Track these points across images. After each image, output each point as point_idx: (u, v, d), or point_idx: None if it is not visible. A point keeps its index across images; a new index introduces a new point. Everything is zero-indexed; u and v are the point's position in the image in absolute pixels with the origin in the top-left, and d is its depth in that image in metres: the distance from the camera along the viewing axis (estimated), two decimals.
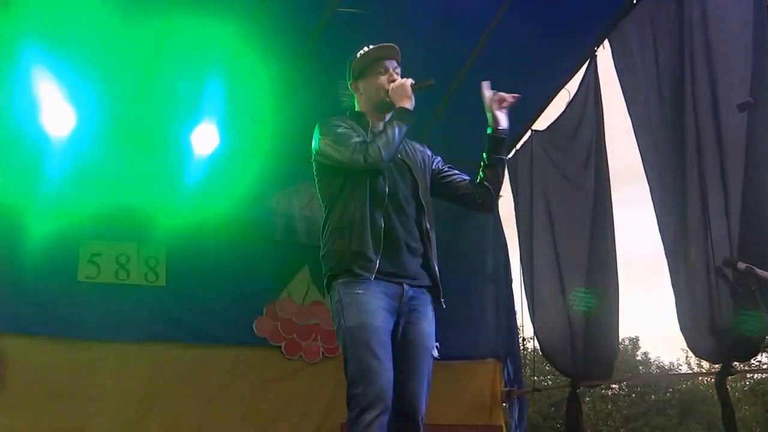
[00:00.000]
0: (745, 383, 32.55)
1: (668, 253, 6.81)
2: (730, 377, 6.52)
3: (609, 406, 35.53)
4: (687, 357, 36.67)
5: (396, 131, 3.84)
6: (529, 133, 9.27)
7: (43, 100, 7.78)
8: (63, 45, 7.34)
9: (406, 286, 3.79)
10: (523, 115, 9.15)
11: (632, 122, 7.41)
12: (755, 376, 31.69)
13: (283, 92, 8.41)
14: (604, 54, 8.03)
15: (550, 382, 20.82)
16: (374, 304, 3.65)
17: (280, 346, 8.82)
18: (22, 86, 7.76)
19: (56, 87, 7.68)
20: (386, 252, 3.74)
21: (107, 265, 8.33)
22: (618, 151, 8.00)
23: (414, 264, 3.87)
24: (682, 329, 6.62)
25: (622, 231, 8.06)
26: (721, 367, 6.38)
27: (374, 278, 3.68)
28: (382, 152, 3.75)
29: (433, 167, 4.24)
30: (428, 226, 3.96)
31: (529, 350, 16.19)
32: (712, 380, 6.79)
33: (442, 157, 4.44)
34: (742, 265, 5.24)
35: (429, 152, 4.28)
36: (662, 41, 7.12)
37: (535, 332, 9.16)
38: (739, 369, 6.80)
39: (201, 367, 8.39)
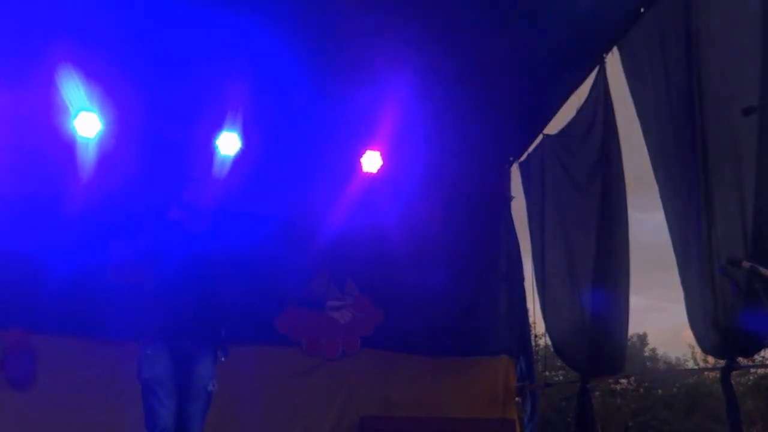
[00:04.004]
0: (749, 378, 32.53)
1: (677, 253, 6.95)
2: (734, 372, 6.67)
3: (618, 401, 35.52)
4: (693, 353, 36.60)
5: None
6: (540, 137, 9.49)
7: (72, 103, 8.04)
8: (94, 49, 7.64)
9: (185, 342, 5.10)
10: (535, 119, 9.37)
11: (641, 126, 7.53)
12: (759, 371, 31.67)
13: (299, 99, 8.69)
14: (613, 60, 8.15)
15: (561, 377, 20.89)
16: (159, 361, 5.05)
17: (300, 343, 9.06)
18: (52, 89, 8.03)
19: (86, 90, 7.94)
20: (165, 324, 5.07)
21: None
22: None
23: (191, 328, 5.13)
24: (691, 325, 6.76)
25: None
26: (726, 362, 6.52)
27: (160, 340, 5.05)
28: None
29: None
30: (217, 301, 5.32)
31: (541, 347, 16.33)
32: (718, 375, 6.88)
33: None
34: (746, 264, 5.36)
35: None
36: (670, 47, 7.20)
37: (546, 329, 9.38)
38: (743, 364, 6.95)
39: (224, 363, 8.50)
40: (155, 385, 5.03)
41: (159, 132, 8.66)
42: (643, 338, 40.12)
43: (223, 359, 5.24)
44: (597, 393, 30.88)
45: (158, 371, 5.06)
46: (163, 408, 4.99)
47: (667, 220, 7.12)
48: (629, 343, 13.41)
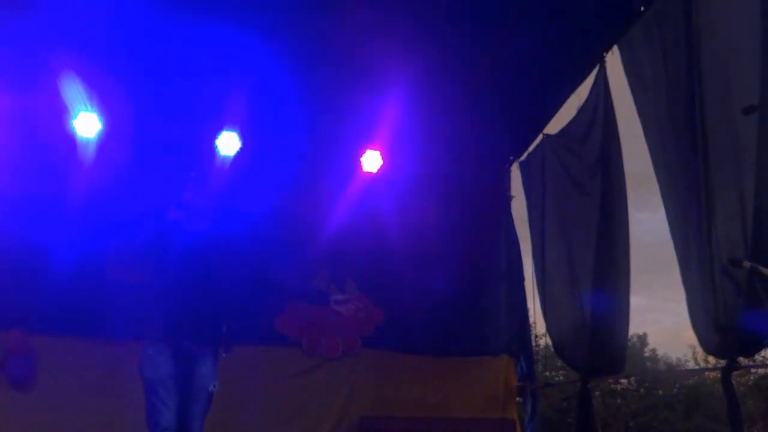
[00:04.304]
0: (749, 378, 32.54)
1: (678, 252, 6.93)
2: (735, 372, 6.67)
3: (618, 401, 35.53)
4: (694, 353, 36.65)
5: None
6: (540, 137, 9.48)
7: (71, 105, 8.05)
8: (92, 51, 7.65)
9: (186, 342, 5.13)
10: (535, 119, 9.36)
11: (642, 125, 7.51)
12: (759, 371, 31.67)
13: (299, 98, 8.71)
14: (613, 59, 8.13)
15: (562, 377, 20.88)
16: (161, 361, 5.07)
17: (300, 343, 9.05)
18: (51, 91, 8.04)
19: (85, 92, 7.95)
20: (166, 322, 5.09)
21: None
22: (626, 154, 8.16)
23: (193, 328, 5.16)
24: (692, 325, 6.74)
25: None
26: (727, 362, 6.49)
27: (161, 340, 5.06)
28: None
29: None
30: (220, 299, 5.33)
31: (542, 346, 16.34)
32: (718, 375, 6.88)
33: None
34: (747, 264, 5.36)
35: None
36: (671, 46, 7.17)
37: (546, 329, 9.37)
38: (744, 364, 6.94)
39: (224, 363, 8.50)
40: (157, 384, 5.05)
41: (159, 132, 8.67)
42: (643, 339, 40.17)
43: (224, 355, 5.25)
44: (597, 393, 30.91)
45: (160, 371, 5.08)
46: (164, 407, 5.01)
47: (668, 219, 7.11)
48: (629, 343, 13.43)
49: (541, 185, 9.35)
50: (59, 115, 8.21)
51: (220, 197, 5.92)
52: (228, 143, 8.62)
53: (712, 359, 8.74)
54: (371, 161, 9.15)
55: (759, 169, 5.99)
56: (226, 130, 8.60)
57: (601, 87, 8.34)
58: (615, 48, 8.07)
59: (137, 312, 5.26)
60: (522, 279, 9.95)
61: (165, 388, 5.08)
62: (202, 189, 5.45)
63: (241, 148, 8.69)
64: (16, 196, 8.20)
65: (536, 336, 14.95)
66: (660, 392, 36.65)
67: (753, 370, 30.64)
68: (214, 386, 5.31)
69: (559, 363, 16.91)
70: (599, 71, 8.36)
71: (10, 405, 7.83)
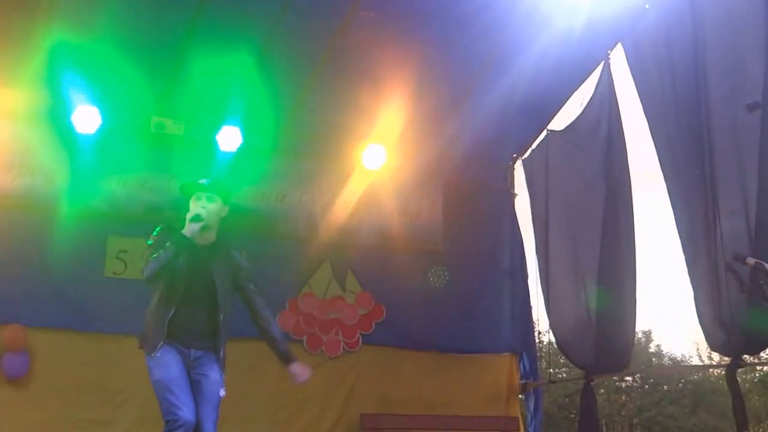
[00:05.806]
0: (754, 375, 32.49)
1: (685, 249, 6.94)
2: (740, 369, 6.67)
3: (623, 397, 35.53)
4: (698, 349, 36.60)
5: (161, 255, 4.99)
6: (544, 133, 9.44)
7: (71, 99, 8.02)
8: (91, 44, 7.61)
9: (192, 350, 5.09)
10: (538, 116, 9.32)
11: (647, 121, 7.52)
12: (764, 368, 31.60)
13: (302, 94, 8.68)
14: (617, 56, 8.20)
15: (564, 374, 20.85)
16: (169, 360, 4.97)
17: (302, 341, 8.98)
18: (51, 86, 8.01)
19: (84, 86, 7.93)
20: (170, 334, 5.00)
21: (133, 261, 8.31)
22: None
23: (196, 340, 5.12)
24: (699, 322, 6.75)
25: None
26: (732, 359, 6.51)
27: (164, 345, 4.99)
28: (144, 271, 5.04)
29: (239, 279, 5.39)
30: (221, 317, 5.19)
31: (545, 343, 16.31)
32: (723, 372, 6.86)
33: None
34: (751, 260, 5.32)
35: (242, 263, 5.40)
36: (676, 43, 7.20)
37: (550, 326, 9.34)
38: (749, 362, 6.92)
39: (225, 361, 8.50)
40: (170, 383, 4.91)
41: (158, 127, 8.63)
42: (648, 334, 40.09)
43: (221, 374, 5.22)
44: (602, 390, 30.90)
45: (171, 370, 4.96)
46: (181, 403, 4.86)
47: (674, 215, 7.12)
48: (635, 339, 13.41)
49: (544, 181, 9.31)
50: (61, 109, 8.18)
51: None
52: (229, 139, 8.56)
53: (716, 355, 8.75)
54: (374, 157, 9.09)
55: (761, 164, 5.98)
56: (227, 126, 8.54)
57: (606, 84, 8.37)
58: (619, 45, 8.05)
59: (145, 318, 5.17)
60: (526, 276, 9.91)
61: (178, 385, 4.95)
62: (210, 195, 5.32)
63: (243, 144, 8.63)
64: (18, 192, 8.19)
65: (539, 333, 14.90)
66: (665, 388, 36.64)
67: (758, 367, 30.64)
68: (224, 391, 5.23)
69: (562, 359, 16.87)
70: (604, 68, 8.37)
71: (7, 400, 7.80)
